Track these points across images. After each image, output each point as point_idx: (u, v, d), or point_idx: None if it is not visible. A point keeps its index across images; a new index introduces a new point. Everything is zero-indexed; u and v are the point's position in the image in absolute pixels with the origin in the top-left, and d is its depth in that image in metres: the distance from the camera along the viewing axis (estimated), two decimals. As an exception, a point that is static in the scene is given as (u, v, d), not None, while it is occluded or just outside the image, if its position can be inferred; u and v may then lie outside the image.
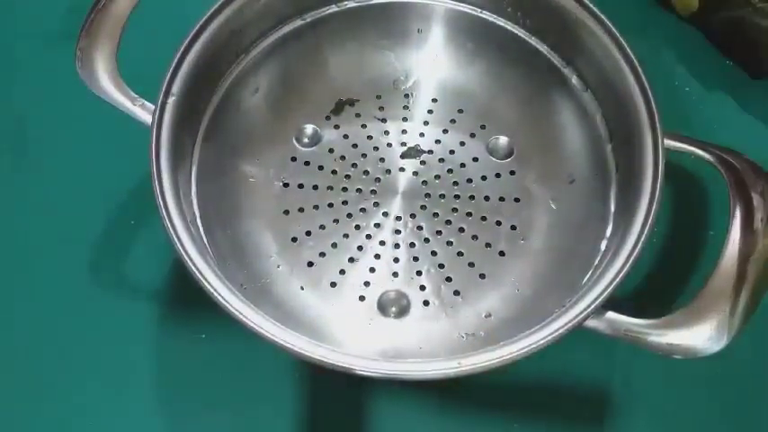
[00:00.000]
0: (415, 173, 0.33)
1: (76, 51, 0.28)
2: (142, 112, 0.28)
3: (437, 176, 0.33)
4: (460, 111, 0.34)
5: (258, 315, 0.24)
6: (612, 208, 0.28)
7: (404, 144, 0.34)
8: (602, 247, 0.27)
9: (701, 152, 0.26)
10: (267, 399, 0.31)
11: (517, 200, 0.32)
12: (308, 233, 0.32)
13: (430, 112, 0.35)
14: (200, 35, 0.29)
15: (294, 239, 0.31)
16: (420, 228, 0.32)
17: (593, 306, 0.23)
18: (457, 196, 0.32)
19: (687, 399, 0.31)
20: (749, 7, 0.35)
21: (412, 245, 0.32)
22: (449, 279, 0.31)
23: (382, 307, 0.30)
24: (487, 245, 0.31)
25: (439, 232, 0.32)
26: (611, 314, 0.24)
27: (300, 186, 0.33)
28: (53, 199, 0.35)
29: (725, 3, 0.36)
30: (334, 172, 0.33)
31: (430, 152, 0.34)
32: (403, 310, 0.30)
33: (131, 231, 0.34)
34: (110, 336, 0.32)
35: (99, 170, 0.35)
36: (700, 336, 0.23)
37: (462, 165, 0.33)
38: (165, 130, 0.27)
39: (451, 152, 0.34)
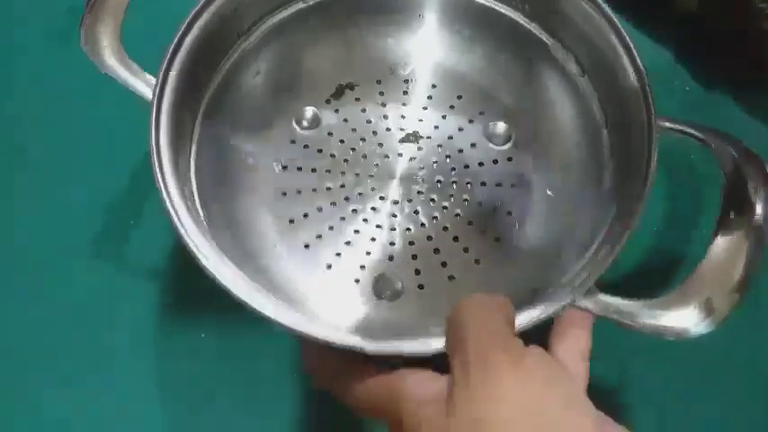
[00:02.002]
0: (413, 158, 0.33)
1: (80, 28, 0.28)
2: (146, 87, 0.28)
3: (435, 162, 0.33)
4: (459, 97, 0.34)
5: (261, 295, 0.24)
6: (607, 191, 0.28)
7: (402, 129, 0.34)
8: (596, 230, 0.27)
9: (693, 132, 0.26)
10: (267, 398, 0.31)
11: (513, 186, 0.32)
12: (306, 215, 0.32)
13: (429, 97, 0.35)
14: (200, 15, 0.29)
15: (291, 221, 0.32)
16: (416, 212, 0.32)
17: (585, 284, 0.23)
18: (454, 182, 0.33)
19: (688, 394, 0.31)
20: (750, 9, 0.35)
21: (408, 229, 0.32)
22: (444, 264, 0.31)
23: (377, 290, 0.30)
24: (482, 231, 0.32)
25: (435, 217, 0.32)
26: (602, 295, 0.24)
27: (299, 169, 0.33)
28: (52, 199, 0.35)
29: (725, 3, 0.36)
30: (332, 155, 0.33)
31: (428, 137, 0.34)
32: (397, 294, 0.30)
33: (131, 231, 0.34)
34: (109, 335, 0.32)
35: (99, 170, 0.35)
36: (690, 317, 0.23)
37: (460, 150, 0.33)
38: (166, 105, 0.27)
39: (450, 138, 0.34)
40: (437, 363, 0.23)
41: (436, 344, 0.22)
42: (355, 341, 0.23)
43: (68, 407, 0.31)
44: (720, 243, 0.24)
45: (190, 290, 0.33)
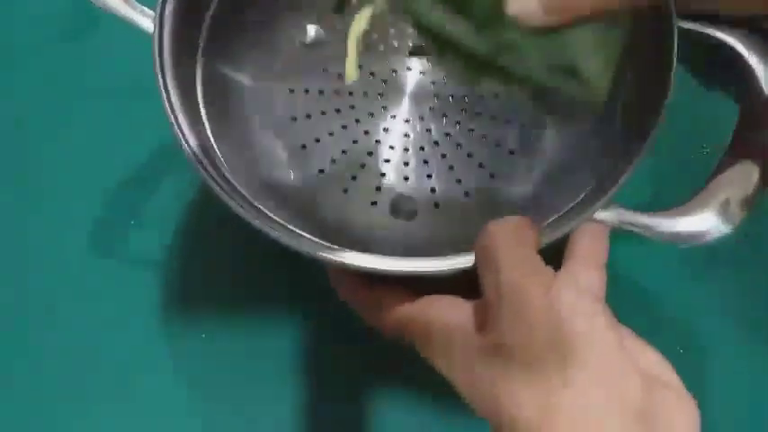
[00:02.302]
0: (423, 72, 0.33)
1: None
2: (142, 18, 0.27)
3: (445, 76, 0.32)
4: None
5: (282, 226, 0.24)
6: (621, 106, 0.27)
7: (411, 43, 0.33)
8: (612, 145, 0.27)
9: (712, 31, 0.25)
10: (267, 398, 0.31)
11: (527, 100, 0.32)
12: (318, 140, 0.32)
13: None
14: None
15: (303, 146, 0.31)
16: (429, 130, 0.32)
17: (603, 198, 0.23)
18: (465, 96, 0.32)
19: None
20: None
21: (422, 148, 0.32)
22: (459, 181, 0.31)
23: (394, 209, 0.31)
24: (497, 144, 0.31)
25: (448, 134, 0.32)
26: (620, 209, 0.24)
27: (306, 92, 0.32)
28: (52, 199, 0.34)
29: None
30: (339, 75, 0.32)
31: None
32: (414, 213, 0.31)
33: (131, 231, 0.34)
34: (109, 336, 0.32)
35: (99, 170, 0.35)
36: (707, 221, 0.24)
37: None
38: (168, 34, 0.26)
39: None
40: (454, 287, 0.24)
41: (461, 263, 0.23)
42: (377, 263, 0.23)
43: (66, 406, 0.31)
44: (738, 151, 0.24)
45: (190, 290, 0.33)
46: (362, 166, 0.31)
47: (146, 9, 0.27)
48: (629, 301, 0.31)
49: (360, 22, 0.22)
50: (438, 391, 0.31)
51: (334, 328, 0.31)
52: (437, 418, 0.31)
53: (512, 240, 0.21)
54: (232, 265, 0.33)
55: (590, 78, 0.21)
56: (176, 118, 0.25)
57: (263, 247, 0.32)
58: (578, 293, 0.20)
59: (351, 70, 0.23)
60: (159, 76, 0.25)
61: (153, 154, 0.35)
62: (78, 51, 0.37)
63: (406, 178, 0.31)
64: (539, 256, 0.21)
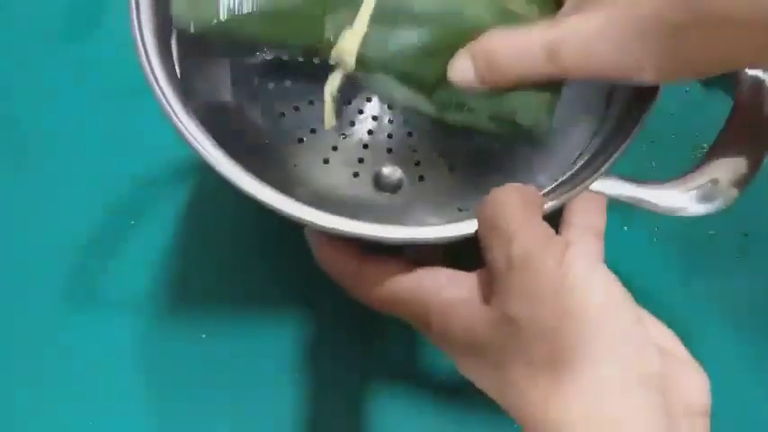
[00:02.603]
0: None
1: None
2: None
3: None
4: None
5: (266, 189, 0.22)
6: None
7: None
8: (605, 118, 0.27)
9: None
10: (267, 398, 0.31)
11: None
12: (296, 108, 0.30)
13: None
14: None
15: (282, 114, 0.30)
16: (414, 102, 0.31)
17: (600, 168, 0.23)
18: None
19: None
20: None
21: (406, 121, 0.31)
22: (443, 155, 0.30)
23: (378, 183, 0.30)
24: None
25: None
26: (615, 179, 0.24)
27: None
28: (53, 199, 0.34)
29: None
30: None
31: None
32: (398, 185, 0.30)
33: (132, 231, 0.33)
34: (109, 336, 0.32)
35: (99, 170, 0.34)
36: (702, 195, 0.24)
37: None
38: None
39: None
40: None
41: (460, 230, 0.22)
42: (372, 230, 0.21)
43: (67, 407, 0.30)
44: (733, 123, 0.24)
45: (190, 290, 0.33)
46: (343, 136, 0.30)
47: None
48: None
49: (334, 81, 0.25)
50: (438, 391, 0.31)
51: (334, 328, 0.32)
52: (437, 418, 0.31)
53: (521, 208, 0.20)
54: (232, 266, 0.33)
55: (531, 126, 0.24)
56: (150, 62, 0.23)
57: (263, 247, 0.33)
58: (591, 263, 0.19)
59: (329, 118, 0.26)
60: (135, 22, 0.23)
61: (153, 154, 0.35)
62: (78, 51, 0.37)
63: (390, 150, 0.30)
64: (546, 224, 0.20)
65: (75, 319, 0.32)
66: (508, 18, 0.23)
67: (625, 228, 0.34)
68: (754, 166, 0.24)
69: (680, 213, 0.24)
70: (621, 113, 0.25)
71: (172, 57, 0.26)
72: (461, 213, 0.29)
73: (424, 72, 0.25)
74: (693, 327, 0.33)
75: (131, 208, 0.34)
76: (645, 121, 0.23)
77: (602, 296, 0.18)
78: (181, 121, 0.22)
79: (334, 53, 0.24)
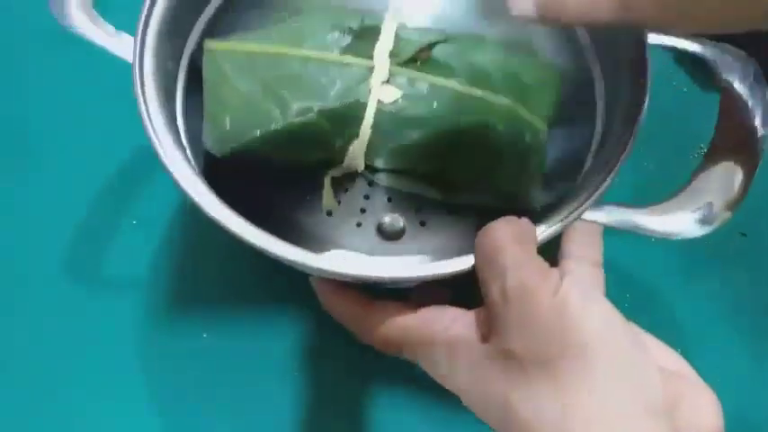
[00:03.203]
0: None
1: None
2: (120, 45, 0.27)
3: None
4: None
5: (269, 236, 0.23)
6: (601, 111, 0.28)
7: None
8: (593, 149, 0.28)
9: (685, 44, 0.26)
10: (267, 398, 0.31)
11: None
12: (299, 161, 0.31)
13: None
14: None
15: (286, 170, 0.31)
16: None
17: (592, 197, 0.24)
18: None
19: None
20: None
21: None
22: (443, 201, 0.31)
23: (381, 232, 0.30)
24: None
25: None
26: (608, 206, 0.24)
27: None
28: (54, 198, 0.34)
29: None
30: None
31: None
32: (401, 233, 0.30)
33: (133, 230, 0.34)
34: (110, 336, 0.32)
35: (99, 170, 0.35)
36: (692, 219, 0.24)
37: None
38: (148, 65, 0.26)
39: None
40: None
41: (456, 265, 0.22)
42: (371, 271, 0.22)
43: (68, 408, 0.31)
44: (718, 147, 0.24)
45: (191, 290, 0.33)
46: (346, 190, 0.31)
47: (124, 34, 0.27)
48: (629, 302, 0.31)
49: (335, 172, 0.29)
50: (438, 391, 0.30)
51: (334, 327, 0.31)
52: (437, 417, 0.31)
53: (514, 241, 0.20)
54: (233, 266, 0.33)
55: (527, 199, 0.28)
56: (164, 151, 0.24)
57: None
58: (586, 292, 0.19)
59: (329, 201, 0.30)
60: (143, 105, 0.25)
61: (152, 154, 0.35)
62: (77, 51, 0.36)
63: (390, 200, 0.31)
64: (540, 257, 0.21)
65: (75, 320, 0.32)
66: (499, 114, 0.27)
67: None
68: (745, 189, 0.24)
69: (675, 238, 0.24)
70: (610, 139, 0.26)
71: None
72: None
73: (427, 167, 0.28)
74: (693, 327, 0.32)
75: (132, 207, 0.34)
76: (631, 147, 0.24)
77: (599, 324, 0.18)
78: (186, 182, 0.23)
79: (345, 162, 0.28)
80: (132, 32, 0.26)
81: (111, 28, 0.27)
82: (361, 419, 0.31)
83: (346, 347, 0.31)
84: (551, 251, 0.23)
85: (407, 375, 0.31)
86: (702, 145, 0.35)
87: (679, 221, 0.24)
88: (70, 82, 0.37)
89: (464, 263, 0.22)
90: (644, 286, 0.33)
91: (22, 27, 0.39)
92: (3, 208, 0.34)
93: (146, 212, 0.34)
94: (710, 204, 0.25)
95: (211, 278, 0.33)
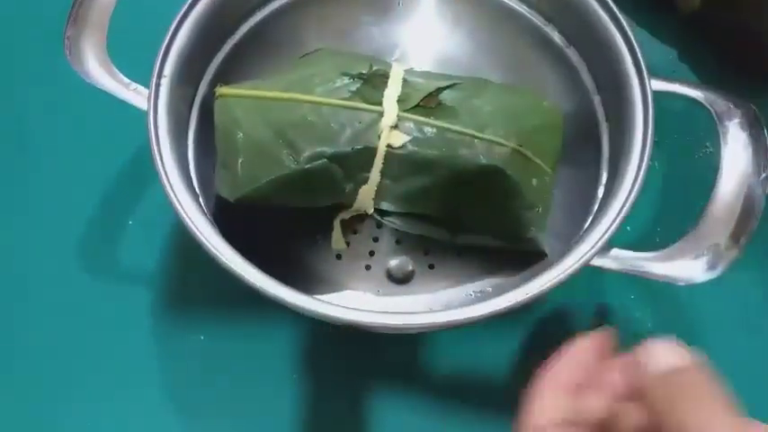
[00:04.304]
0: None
1: (65, 40, 0.27)
2: (136, 96, 0.27)
3: None
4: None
5: (281, 286, 0.24)
6: (606, 155, 0.29)
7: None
8: (599, 193, 0.28)
9: (688, 90, 0.27)
10: (266, 399, 0.31)
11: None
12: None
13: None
14: (187, 16, 0.29)
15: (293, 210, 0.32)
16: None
17: (598, 244, 0.24)
18: None
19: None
20: (753, 9, 0.35)
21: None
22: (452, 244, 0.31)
23: (389, 274, 0.31)
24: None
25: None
26: (615, 251, 0.25)
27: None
28: (52, 198, 0.35)
29: (728, 3, 0.36)
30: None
31: None
32: (409, 276, 0.31)
33: (130, 232, 0.34)
34: (108, 337, 0.32)
35: (99, 170, 0.35)
36: (699, 264, 0.24)
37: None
38: (162, 114, 0.27)
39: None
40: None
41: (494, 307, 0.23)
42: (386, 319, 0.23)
43: (66, 406, 0.31)
44: (721, 194, 0.25)
45: (189, 292, 0.33)
46: (355, 232, 0.32)
47: (139, 87, 0.28)
48: (629, 301, 0.31)
49: (345, 215, 0.30)
50: (438, 391, 0.31)
51: (334, 328, 0.30)
52: (437, 418, 0.30)
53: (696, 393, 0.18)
54: None
55: (531, 238, 0.29)
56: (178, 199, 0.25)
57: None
58: None
59: (338, 243, 0.31)
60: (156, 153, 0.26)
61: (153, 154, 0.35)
62: None
63: (399, 242, 0.31)
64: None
65: (72, 322, 0.32)
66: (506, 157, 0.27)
67: (628, 228, 0.33)
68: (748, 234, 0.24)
69: (685, 283, 0.24)
70: (616, 182, 0.26)
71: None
72: (473, 297, 0.30)
73: (435, 209, 0.29)
74: (694, 327, 0.32)
75: (130, 208, 0.34)
76: (639, 191, 0.25)
77: None
78: (201, 232, 0.24)
79: (355, 206, 0.29)
80: (145, 78, 0.27)
81: (126, 80, 0.28)
82: (361, 419, 0.30)
83: (346, 347, 0.32)
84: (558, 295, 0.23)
85: (407, 375, 0.31)
86: (708, 143, 0.34)
87: (686, 267, 0.25)
88: (70, 82, 0.36)
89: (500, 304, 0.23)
90: (644, 287, 0.32)
91: (21, 27, 0.39)
92: (3, 208, 0.35)
93: (143, 215, 0.34)
94: (717, 246, 0.25)
95: (209, 279, 0.33)
